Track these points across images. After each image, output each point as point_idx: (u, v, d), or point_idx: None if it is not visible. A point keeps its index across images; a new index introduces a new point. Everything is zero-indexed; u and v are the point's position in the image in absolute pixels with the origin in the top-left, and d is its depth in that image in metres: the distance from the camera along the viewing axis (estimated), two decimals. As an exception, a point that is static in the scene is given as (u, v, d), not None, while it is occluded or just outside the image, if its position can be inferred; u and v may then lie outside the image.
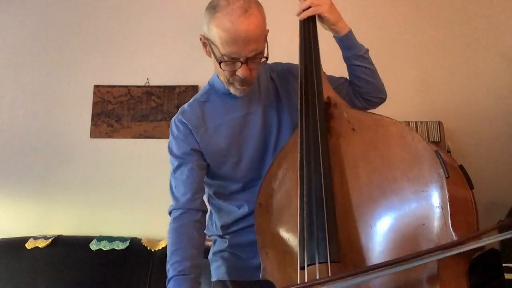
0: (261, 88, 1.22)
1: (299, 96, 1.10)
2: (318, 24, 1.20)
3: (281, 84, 1.25)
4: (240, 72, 1.06)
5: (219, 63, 1.06)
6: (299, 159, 0.98)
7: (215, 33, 1.03)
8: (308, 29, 1.19)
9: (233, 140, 1.18)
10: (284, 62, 1.31)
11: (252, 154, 1.18)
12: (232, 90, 1.14)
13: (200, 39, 1.12)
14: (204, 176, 1.20)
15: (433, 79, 2.52)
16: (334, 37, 1.21)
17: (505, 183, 2.30)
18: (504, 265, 1.72)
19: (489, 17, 2.54)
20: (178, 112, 1.22)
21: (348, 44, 1.19)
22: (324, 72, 1.17)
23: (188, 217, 1.12)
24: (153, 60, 2.71)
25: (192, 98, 1.25)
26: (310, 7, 1.16)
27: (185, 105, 1.23)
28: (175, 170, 1.18)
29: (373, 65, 1.22)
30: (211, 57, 1.13)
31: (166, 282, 1.04)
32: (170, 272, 1.04)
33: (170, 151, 1.21)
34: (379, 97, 1.25)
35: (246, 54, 1.04)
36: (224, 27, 1.01)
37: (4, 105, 2.68)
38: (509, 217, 2.00)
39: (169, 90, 2.66)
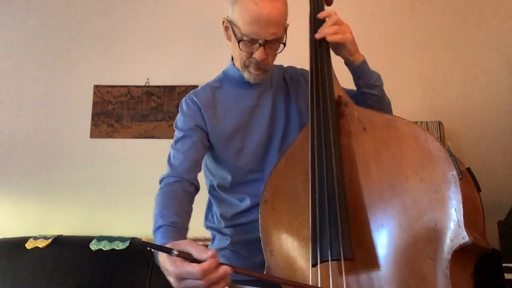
0: (273, 85, 1.24)
1: (309, 93, 1.10)
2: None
3: (292, 86, 1.27)
4: (257, 54, 1.08)
5: (238, 42, 1.08)
6: (310, 156, 0.98)
7: (239, 13, 1.07)
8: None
9: (240, 127, 1.19)
10: (293, 65, 1.33)
11: (255, 144, 1.19)
12: (246, 75, 1.16)
13: (223, 22, 1.15)
14: (204, 155, 1.20)
15: (433, 79, 2.52)
16: (346, 64, 1.17)
17: (505, 183, 2.30)
18: (504, 265, 1.72)
19: (489, 18, 2.54)
20: (190, 92, 1.24)
21: (360, 73, 1.16)
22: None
23: (181, 185, 1.09)
24: (153, 60, 2.71)
25: (205, 83, 1.27)
26: (336, 33, 1.10)
27: (198, 88, 1.26)
28: (177, 141, 1.17)
29: (383, 91, 1.20)
30: (230, 41, 1.16)
31: (153, 231, 0.96)
32: (158, 222, 0.96)
33: (175, 125, 1.21)
34: None
35: (266, 37, 1.06)
36: (248, 8, 1.04)
37: (4, 105, 2.68)
38: (509, 217, 2.00)
39: (169, 90, 2.66)
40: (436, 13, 2.59)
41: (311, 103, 1.07)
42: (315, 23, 1.18)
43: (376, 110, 1.05)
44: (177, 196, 1.07)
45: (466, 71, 2.50)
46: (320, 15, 1.16)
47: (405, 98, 2.46)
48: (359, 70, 1.15)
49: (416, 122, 2.38)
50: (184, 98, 1.23)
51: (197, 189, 1.16)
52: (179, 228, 0.96)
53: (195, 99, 1.20)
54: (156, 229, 0.95)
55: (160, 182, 1.13)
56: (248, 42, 1.08)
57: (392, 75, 2.48)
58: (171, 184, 1.09)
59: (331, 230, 0.85)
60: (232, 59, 1.23)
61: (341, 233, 0.84)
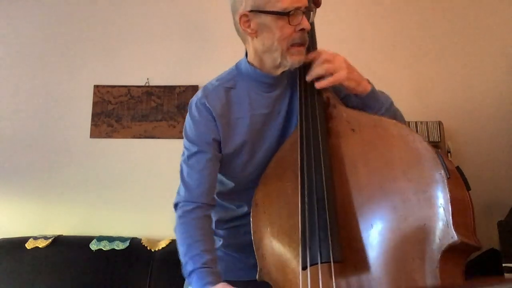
0: (290, 87, 1.14)
1: (298, 95, 1.08)
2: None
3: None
4: (305, 23, 0.99)
5: (288, 16, 0.97)
6: (299, 160, 0.98)
7: None
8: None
9: (250, 137, 1.10)
10: None
11: (264, 155, 1.11)
12: (288, 61, 1.03)
13: (240, 19, 1.02)
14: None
15: (433, 79, 2.52)
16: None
17: (505, 183, 2.29)
18: (504, 265, 1.72)
19: (489, 17, 2.53)
20: (200, 93, 1.10)
21: (367, 103, 1.06)
22: None
23: (202, 211, 1.05)
24: (153, 60, 2.71)
25: (217, 80, 1.13)
26: (327, 74, 1.02)
27: (209, 87, 1.11)
28: (190, 156, 1.07)
29: (393, 110, 1.10)
30: (255, 36, 1.03)
31: (186, 274, 0.98)
32: (189, 265, 0.97)
33: (186, 134, 1.10)
34: None
35: (305, 2, 0.99)
36: None
37: (4, 105, 2.68)
38: (509, 217, 1.99)
39: (169, 90, 2.65)
40: (436, 13, 2.59)
41: (300, 106, 1.05)
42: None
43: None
44: (202, 226, 1.03)
45: (466, 71, 2.49)
46: (308, 57, 1.06)
47: (405, 98, 2.45)
48: (366, 100, 1.05)
49: (416, 122, 2.40)
50: (195, 101, 1.10)
51: (215, 206, 1.11)
52: (211, 267, 0.96)
53: (207, 104, 1.07)
54: (189, 273, 0.96)
55: (176, 206, 1.08)
56: (294, 12, 0.97)
57: (392, 75, 2.48)
58: (192, 211, 1.04)
59: (321, 233, 0.85)
60: (246, 55, 1.10)
61: (330, 235, 0.84)
